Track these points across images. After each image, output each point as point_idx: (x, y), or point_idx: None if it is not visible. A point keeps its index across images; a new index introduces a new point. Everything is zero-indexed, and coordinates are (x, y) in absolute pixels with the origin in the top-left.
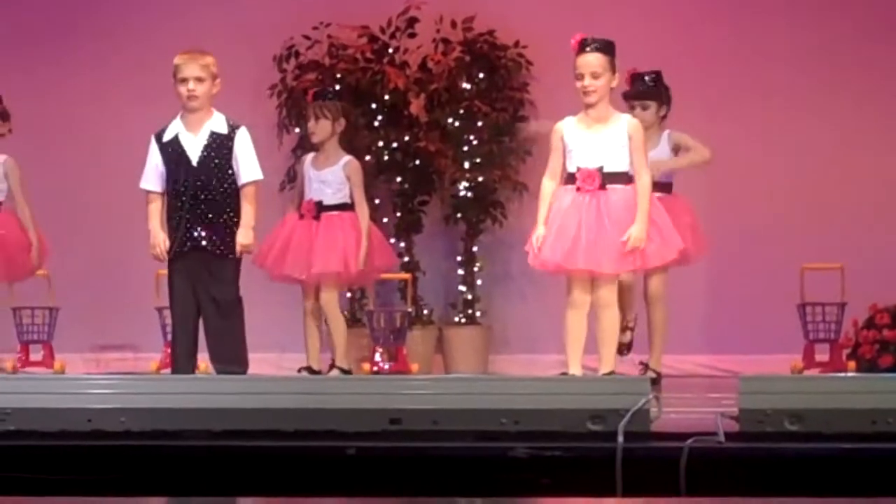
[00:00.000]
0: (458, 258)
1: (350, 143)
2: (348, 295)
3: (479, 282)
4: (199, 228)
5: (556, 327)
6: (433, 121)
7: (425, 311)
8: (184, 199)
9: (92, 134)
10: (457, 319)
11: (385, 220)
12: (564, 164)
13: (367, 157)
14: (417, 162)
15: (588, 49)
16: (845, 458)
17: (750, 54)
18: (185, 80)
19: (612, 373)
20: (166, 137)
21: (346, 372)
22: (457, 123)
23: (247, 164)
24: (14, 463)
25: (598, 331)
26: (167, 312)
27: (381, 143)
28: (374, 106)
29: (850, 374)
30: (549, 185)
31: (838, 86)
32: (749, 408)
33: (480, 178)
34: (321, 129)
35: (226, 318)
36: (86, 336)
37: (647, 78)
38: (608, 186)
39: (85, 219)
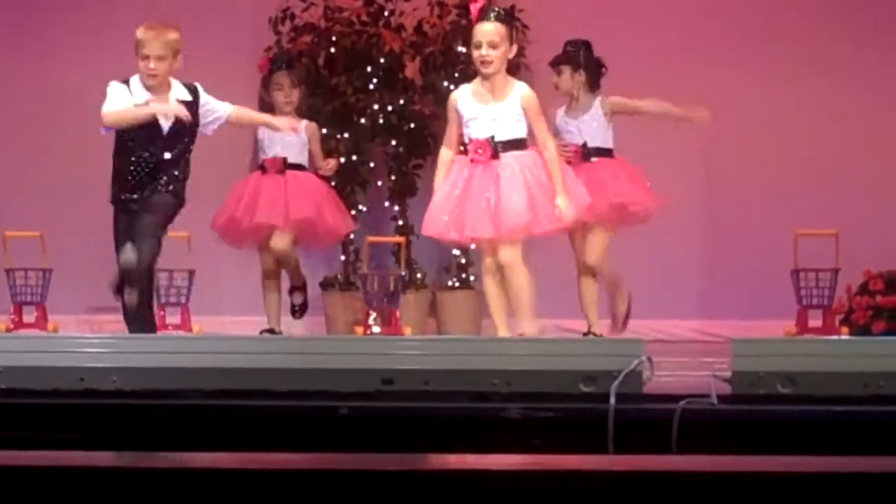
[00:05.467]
0: None
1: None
2: (342, 258)
3: (472, 245)
4: (141, 182)
5: (550, 290)
6: (428, 84)
7: (419, 275)
8: (144, 163)
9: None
10: (450, 283)
11: (379, 183)
12: (461, 133)
13: (363, 120)
14: (412, 125)
15: (487, 18)
16: (837, 421)
17: (746, 22)
18: (146, 58)
19: (521, 334)
20: (138, 100)
21: (302, 288)
22: (452, 87)
23: (219, 105)
24: (6, 421)
25: (510, 292)
26: (163, 275)
27: (376, 107)
28: (369, 69)
29: (842, 338)
30: (445, 153)
31: (832, 53)
32: (742, 370)
33: None
34: (296, 96)
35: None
36: (80, 297)
37: (567, 45)
38: (501, 155)
39: (78, 180)
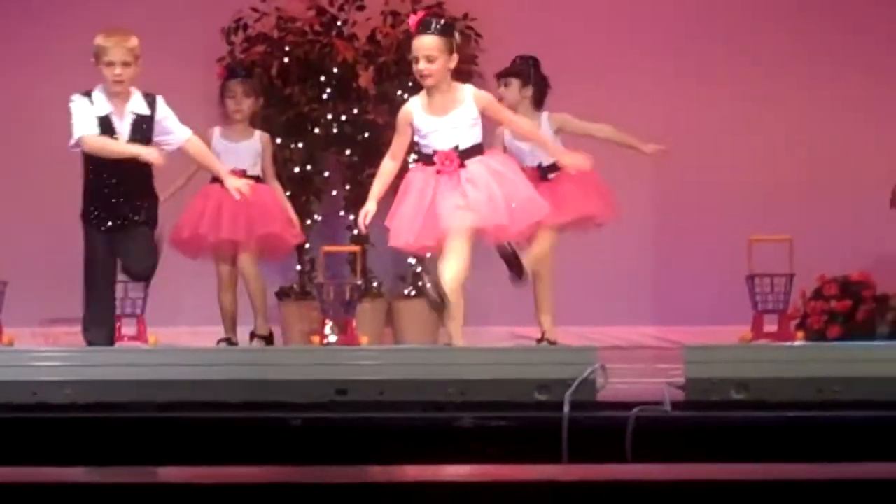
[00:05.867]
0: None
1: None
2: (297, 268)
3: (427, 255)
4: (123, 204)
5: (506, 299)
6: (382, 93)
7: (375, 284)
8: (106, 177)
9: (37, 102)
10: (406, 292)
11: (334, 192)
12: (411, 146)
13: (317, 130)
14: (367, 135)
15: (424, 31)
16: (791, 427)
17: (698, 29)
18: (112, 65)
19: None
20: (99, 111)
21: (268, 339)
22: (406, 96)
23: (177, 128)
24: None
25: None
26: (118, 287)
27: (329, 116)
28: (322, 79)
29: (795, 343)
30: (388, 164)
31: (784, 61)
32: (695, 377)
33: None
34: (248, 106)
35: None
36: (35, 310)
37: (518, 59)
38: (466, 162)
39: (32, 191)
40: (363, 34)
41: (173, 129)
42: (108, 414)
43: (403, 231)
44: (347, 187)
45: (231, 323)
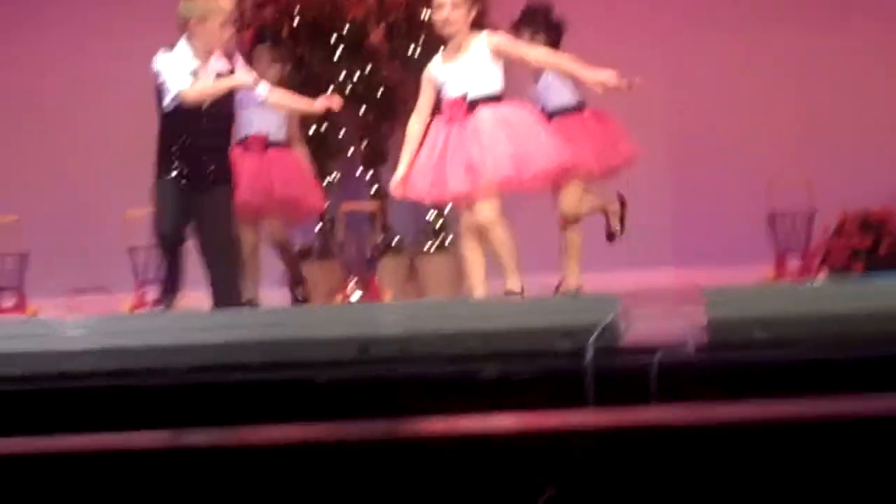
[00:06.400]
0: None
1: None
2: (318, 227)
3: (448, 206)
4: (205, 157)
5: (528, 248)
6: (393, 51)
7: (395, 240)
8: (195, 129)
9: (62, 74)
10: (427, 248)
11: (351, 151)
12: (437, 102)
13: (330, 90)
14: (380, 92)
15: None
16: (815, 365)
17: None
18: (225, 24)
19: (521, 290)
20: (189, 67)
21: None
22: (418, 52)
23: (247, 76)
24: None
25: (493, 249)
26: (140, 253)
27: (342, 76)
28: (333, 39)
29: (816, 282)
30: (413, 125)
31: (801, 4)
32: (717, 318)
33: None
34: (276, 71)
35: (221, 251)
36: (58, 280)
37: (527, 8)
38: (477, 109)
39: (55, 162)
40: None
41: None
42: (132, 382)
43: (417, 183)
44: (364, 145)
45: (254, 285)
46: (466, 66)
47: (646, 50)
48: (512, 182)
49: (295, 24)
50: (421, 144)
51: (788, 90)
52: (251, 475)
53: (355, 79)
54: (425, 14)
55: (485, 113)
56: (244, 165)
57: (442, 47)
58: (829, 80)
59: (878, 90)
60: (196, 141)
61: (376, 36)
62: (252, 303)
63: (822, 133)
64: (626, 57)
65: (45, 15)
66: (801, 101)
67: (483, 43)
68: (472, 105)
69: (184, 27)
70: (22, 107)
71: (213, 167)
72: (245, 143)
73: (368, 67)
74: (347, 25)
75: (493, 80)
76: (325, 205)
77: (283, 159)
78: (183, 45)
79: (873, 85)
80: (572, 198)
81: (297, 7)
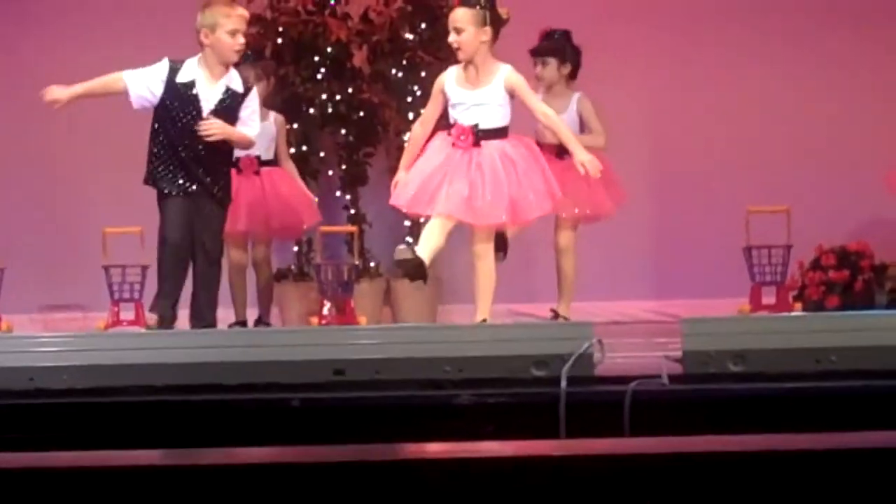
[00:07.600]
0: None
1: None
2: (295, 249)
3: (421, 219)
4: (198, 171)
5: (504, 275)
6: (376, 72)
7: (372, 264)
8: (184, 143)
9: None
10: None
11: (330, 172)
12: (444, 113)
13: (311, 110)
14: (362, 114)
15: (459, 3)
16: (789, 398)
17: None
18: (236, 33)
19: (484, 320)
20: (182, 78)
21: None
22: (400, 74)
23: (252, 124)
24: None
25: (477, 280)
26: (114, 271)
27: (324, 96)
28: (316, 59)
29: (792, 314)
30: (417, 130)
31: (780, 30)
32: (692, 349)
33: None
34: (261, 89)
35: (212, 266)
36: (33, 296)
37: (554, 35)
38: (482, 143)
39: (31, 177)
40: (356, 13)
41: (250, 125)
42: (106, 399)
43: (402, 192)
44: (343, 167)
45: (242, 306)
46: (483, 99)
47: (623, 84)
48: (505, 226)
49: (278, 42)
50: (421, 151)
51: (768, 123)
52: (225, 496)
53: (337, 99)
54: (408, 35)
55: (491, 149)
56: (240, 189)
57: (462, 65)
58: (809, 113)
59: (857, 125)
60: (191, 154)
61: (359, 58)
62: (243, 324)
63: (800, 166)
64: (605, 92)
65: (19, 33)
66: (779, 134)
67: (501, 79)
68: (480, 136)
69: (202, 43)
70: None
71: (209, 181)
72: (237, 165)
73: (350, 89)
74: (330, 46)
75: (504, 115)
76: (320, 218)
77: (275, 182)
78: (192, 63)
79: (853, 119)
80: (570, 233)
81: (281, 26)
